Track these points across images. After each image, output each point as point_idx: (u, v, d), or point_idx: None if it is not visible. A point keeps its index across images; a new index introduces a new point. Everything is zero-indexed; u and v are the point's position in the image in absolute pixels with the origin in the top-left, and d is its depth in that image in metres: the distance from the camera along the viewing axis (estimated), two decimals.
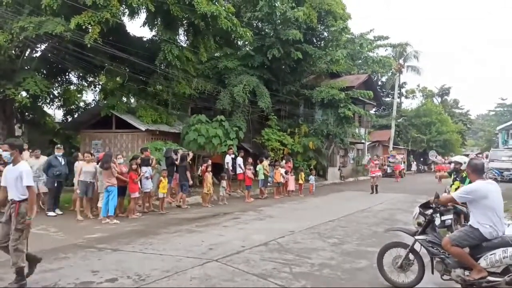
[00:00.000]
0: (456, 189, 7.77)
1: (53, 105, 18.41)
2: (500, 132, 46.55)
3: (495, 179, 24.40)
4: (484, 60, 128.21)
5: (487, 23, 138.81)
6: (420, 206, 5.09)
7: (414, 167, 38.39)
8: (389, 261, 5.09)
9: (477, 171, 4.59)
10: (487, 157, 37.37)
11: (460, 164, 8.04)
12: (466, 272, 4.34)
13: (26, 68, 14.37)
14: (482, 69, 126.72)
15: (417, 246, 4.94)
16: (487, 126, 62.17)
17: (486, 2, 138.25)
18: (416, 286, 4.89)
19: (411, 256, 4.96)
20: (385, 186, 21.09)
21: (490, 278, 4.16)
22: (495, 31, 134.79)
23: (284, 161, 16.51)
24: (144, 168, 10.61)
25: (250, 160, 14.99)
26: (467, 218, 7.66)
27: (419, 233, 4.90)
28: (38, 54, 15.68)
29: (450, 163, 32.37)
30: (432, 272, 4.77)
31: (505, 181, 23.74)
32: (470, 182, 7.65)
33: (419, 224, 5.03)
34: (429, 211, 4.93)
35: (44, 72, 16.16)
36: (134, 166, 10.12)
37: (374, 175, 17.09)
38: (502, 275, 4.12)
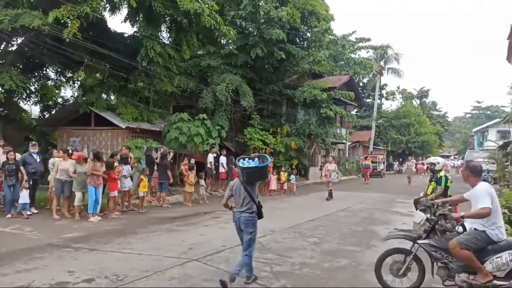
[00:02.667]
0: (433, 189, 7.95)
1: (29, 100, 17.90)
2: (475, 134, 48.06)
3: None
4: (461, 63, 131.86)
5: (467, 27, 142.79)
6: (421, 210, 4.85)
7: (396, 167, 39.21)
8: (387, 266, 4.88)
9: (476, 172, 4.48)
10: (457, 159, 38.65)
11: (434, 164, 8.19)
12: (471, 277, 4.21)
13: (1, 62, 13.90)
14: (460, 72, 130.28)
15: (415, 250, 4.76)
16: (464, 128, 64.14)
17: (468, 6, 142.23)
18: None
19: (412, 262, 4.73)
20: (364, 186, 21.44)
21: (496, 282, 4.05)
22: (474, 36, 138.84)
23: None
24: (125, 167, 10.46)
25: (231, 158, 14.95)
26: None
27: (424, 238, 4.69)
28: (14, 48, 15.20)
29: (423, 164, 32.82)
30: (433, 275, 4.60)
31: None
32: (446, 183, 7.89)
33: (425, 231, 4.74)
34: (433, 217, 4.69)
35: (20, 66, 15.66)
36: (115, 164, 9.95)
37: (328, 179, 15.33)
38: (507, 278, 4.03)
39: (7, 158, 9.34)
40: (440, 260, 4.47)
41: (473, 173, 4.47)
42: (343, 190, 18.39)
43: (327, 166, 15.71)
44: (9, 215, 9.02)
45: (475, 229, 4.31)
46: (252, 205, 4.97)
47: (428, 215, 7.42)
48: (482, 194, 4.23)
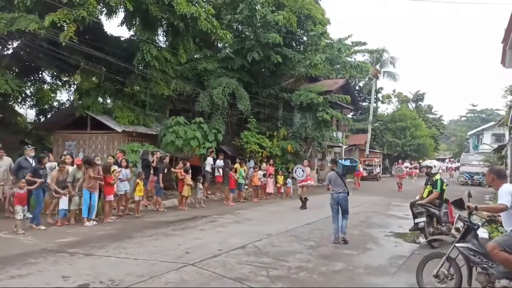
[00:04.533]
0: (429, 192, 7.98)
1: (25, 104, 17.85)
2: (471, 137, 48.31)
3: (466, 183, 25.44)
4: (456, 67, 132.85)
5: (463, 32, 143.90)
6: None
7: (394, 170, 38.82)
8: (429, 271, 4.81)
9: (502, 176, 4.54)
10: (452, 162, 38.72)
11: (430, 168, 8.25)
12: None
13: None
14: (455, 76, 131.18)
15: (453, 254, 4.64)
16: (459, 131, 64.43)
17: (464, 10, 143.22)
18: None
19: (446, 265, 4.62)
20: (359, 190, 21.44)
21: None
22: (470, 40, 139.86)
23: (264, 164, 16.54)
24: (121, 170, 10.45)
25: (227, 161, 14.94)
26: (439, 221, 7.91)
27: (459, 239, 4.62)
28: (9, 52, 15.16)
29: (415, 167, 32.03)
30: (469, 284, 4.44)
31: (475, 184, 24.62)
32: (441, 186, 7.92)
33: (457, 229, 4.77)
34: (468, 217, 4.64)
35: (16, 70, 15.62)
36: (113, 168, 9.92)
37: (301, 184, 13.37)
38: None
39: (39, 162, 8.69)
40: (479, 264, 4.35)
41: (499, 176, 4.51)
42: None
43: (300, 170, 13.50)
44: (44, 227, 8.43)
45: (511, 231, 4.28)
46: (345, 188, 7.96)
47: (424, 218, 7.36)
48: (503, 193, 4.28)
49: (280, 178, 16.36)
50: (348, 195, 8.01)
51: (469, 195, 5.04)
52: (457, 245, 4.56)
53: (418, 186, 11.14)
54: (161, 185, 11.85)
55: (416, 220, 7.82)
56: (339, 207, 7.91)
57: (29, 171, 8.97)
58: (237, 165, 14.26)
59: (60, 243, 7.19)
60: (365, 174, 29.74)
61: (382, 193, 18.95)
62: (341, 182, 7.95)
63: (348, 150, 34.20)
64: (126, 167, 10.76)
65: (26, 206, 8.15)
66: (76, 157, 10.86)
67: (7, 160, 9.67)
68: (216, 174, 15.03)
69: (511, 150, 15.50)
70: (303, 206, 12.93)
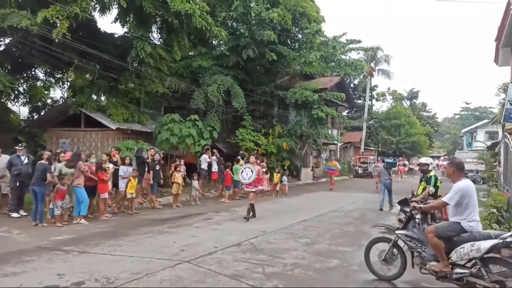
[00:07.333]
0: (423, 189, 8.03)
1: (18, 101, 17.68)
2: (464, 135, 48.68)
3: None
4: (451, 65, 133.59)
5: (456, 31, 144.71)
6: (399, 203, 5.42)
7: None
8: (375, 254, 5.38)
9: (461, 169, 4.78)
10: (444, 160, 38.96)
11: (427, 165, 8.31)
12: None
13: None
14: (449, 74, 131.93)
15: (400, 242, 5.17)
16: (453, 129, 64.85)
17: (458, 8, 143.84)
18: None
19: (394, 251, 5.21)
20: (357, 186, 21.53)
21: (458, 270, 4.40)
22: (463, 39, 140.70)
23: (258, 160, 16.46)
24: (123, 168, 10.48)
25: (222, 158, 14.90)
26: (433, 218, 7.95)
27: (401, 228, 5.16)
28: (1, 48, 15.00)
29: (404, 165, 31.80)
30: (413, 266, 5.00)
31: None
32: (436, 182, 7.97)
33: (400, 220, 5.32)
34: (409, 208, 5.17)
35: (8, 67, 15.45)
36: (104, 165, 9.83)
37: (250, 188, 10.26)
38: (469, 267, 4.36)
39: (49, 161, 9.04)
40: (414, 249, 4.88)
41: (459, 169, 4.77)
42: (334, 191, 18.48)
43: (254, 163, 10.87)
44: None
45: (450, 221, 4.71)
46: (389, 177, 12.70)
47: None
48: (453, 191, 4.59)
49: (276, 176, 16.36)
50: (391, 181, 12.71)
51: (412, 195, 5.79)
52: (397, 232, 5.14)
53: (409, 184, 11.31)
54: (151, 182, 11.81)
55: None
56: (386, 189, 12.27)
57: (17, 168, 9.09)
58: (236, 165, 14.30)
59: (55, 241, 7.14)
60: (360, 171, 29.96)
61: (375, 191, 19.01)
62: (387, 173, 12.78)
63: (343, 147, 34.31)
64: (130, 164, 10.75)
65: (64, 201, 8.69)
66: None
67: (5, 158, 9.72)
68: (213, 171, 14.98)
69: (504, 147, 15.59)
70: (248, 215, 9.84)
